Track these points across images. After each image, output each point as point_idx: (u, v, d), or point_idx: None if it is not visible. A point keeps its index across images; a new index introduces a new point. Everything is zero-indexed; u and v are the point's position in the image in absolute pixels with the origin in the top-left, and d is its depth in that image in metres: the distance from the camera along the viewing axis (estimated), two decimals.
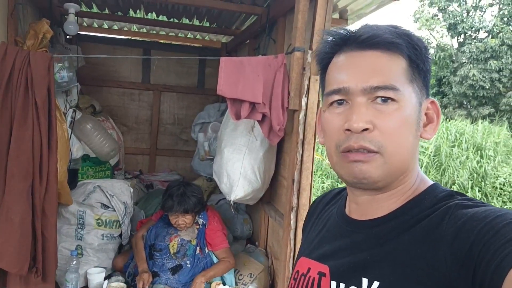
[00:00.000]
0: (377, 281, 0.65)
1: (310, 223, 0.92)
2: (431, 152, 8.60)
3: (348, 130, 0.67)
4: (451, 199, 0.66)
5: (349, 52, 0.71)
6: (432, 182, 0.73)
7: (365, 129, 0.66)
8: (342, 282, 0.70)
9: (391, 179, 0.69)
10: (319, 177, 7.94)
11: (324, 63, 0.76)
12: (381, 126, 0.66)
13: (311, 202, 2.26)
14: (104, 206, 2.86)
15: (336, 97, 0.70)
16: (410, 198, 0.70)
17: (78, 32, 3.14)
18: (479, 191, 7.72)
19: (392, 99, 0.66)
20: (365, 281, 0.66)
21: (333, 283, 0.71)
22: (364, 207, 0.74)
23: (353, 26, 0.74)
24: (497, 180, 7.79)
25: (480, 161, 8.39)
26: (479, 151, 8.79)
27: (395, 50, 0.68)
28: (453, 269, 0.58)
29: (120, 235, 2.92)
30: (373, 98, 0.67)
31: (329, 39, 0.74)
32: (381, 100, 0.66)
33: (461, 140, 9.11)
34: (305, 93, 2.21)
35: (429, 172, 8.20)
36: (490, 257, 0.54)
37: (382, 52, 0.68)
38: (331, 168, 8.06)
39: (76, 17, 3.00)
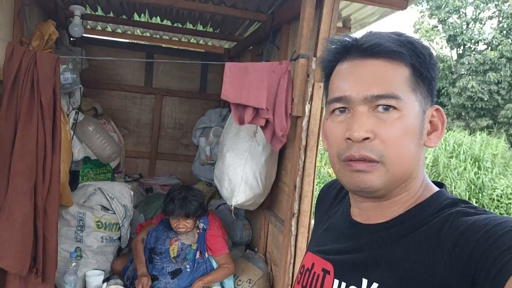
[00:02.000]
0: (376, 283, 0.66)
1: (321, 213, 0.93)
2: (429, 163, 8.63)
3: (349, 139, 0.67)
4: (454, 206, 0.67)
5: (351, 61, 0.71)
6: (437, 189, 0.73)
7: (366, 138, 0.66)
8: (344, 281, 0.72)
9: (393, 187, 0.69)
10: (317, 184, 7.95)
11: (327, 71, 0.76)
12: (382, 135, 0.66)
13: (312, 207, 2.27)
14: (104, 208, 2.85)
15: (338, 105, 0.71)
16: (413, 205, 0.70)
17: (83, 35, 3.16)
18: (476, 202, 7.74)
19: (394, 108, 0.66)
20: (365, 281, 0.68)
21: (336, 281, 0.73)
22: (368, 212, 0.75)
23: (356, 35, 0.74)
24: (494, 192, 7.82)
25: (478, 173, 8.42)
26: (476, 163, 8.82)
27: (397, 58, 0.68)
28: (452, 275, 0.58)
29: (119, 238, 2.92)
30: (374, 107, 0.67)
31: (333, 47, 0.74)
32: (382, 108, 0.66)
33: (459, 151, 9.14)
34: (308, 99, 2.22)
35: None
36: (490, 264, 0.54)
37: (384, 60, 0.68)
38: (330, 177, 8.09)
39: (81, 20, 3.01)
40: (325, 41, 0.77)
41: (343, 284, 0.71)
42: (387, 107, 0.66)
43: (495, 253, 0.54)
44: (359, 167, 0.67)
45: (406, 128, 0.67)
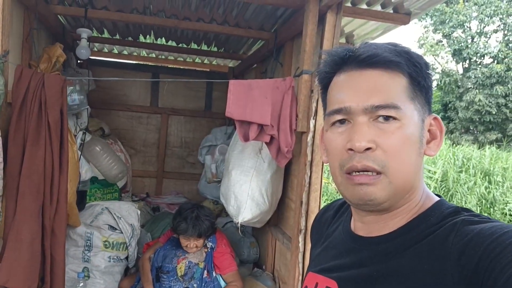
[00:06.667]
0: None
1: (316, 237, 0.92)
2: (438, 177, 8.53)
3: (351, 149, 0.67)
4: (457, 215, 0.66)
5: (349, 72, 0.71)
6: (437, 198, 0.72)
7: (368, 148, 0.66)
8: None
9: (396, 198, 0.69)
10: (324, 202, 7.88)
11: (325, 82, 0.77)
12: (383, 145, 0.66)
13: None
14: (112, 228, 2.85)
15: (338, 117, 0.70)
16: (416, 215, 0.70)
17: (89, 57, 3.21)
18: None
19: (394, 118, 0.67)
20: None
21: None
22: (370, 225, 0.74)
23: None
24: (506, 206, 7.69)
25: (489, 187, 8.30)
26: (487, 177, 8.71)
27: (395, 68, 0.68)
28: (460, 285, 0.58)
29: (127, 258, 2.91)
30: (374, 117, 0.67)
31: (329, 58, 0.74)
32: (382, 118, 0.67)
33: (468, 166, 9.05)
34: (313, 115, 2.23)
35: None
36: (497, 273, 0.54)
37: (382, 70, 0.68)
38: (337, 192, 8.03)
39: (88, 42, 3.07)
40: (322, 52, 0.78)
41: None
42: (387, 118, 0.67)
43: (503, 262, 0.54)
44: (362, 180, 0.67)
45: (407, 137, 0.67)
